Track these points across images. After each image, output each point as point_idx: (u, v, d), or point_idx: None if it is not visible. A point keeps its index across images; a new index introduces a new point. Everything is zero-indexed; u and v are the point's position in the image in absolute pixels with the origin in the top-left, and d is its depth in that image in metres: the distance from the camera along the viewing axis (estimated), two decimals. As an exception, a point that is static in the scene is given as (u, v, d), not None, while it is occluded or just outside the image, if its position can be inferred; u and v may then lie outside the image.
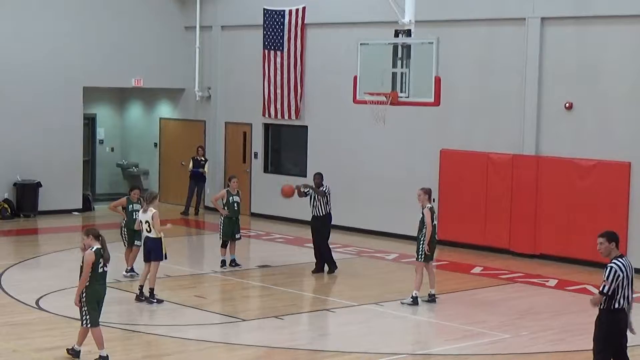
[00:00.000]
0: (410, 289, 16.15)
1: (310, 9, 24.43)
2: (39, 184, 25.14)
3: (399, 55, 16.34)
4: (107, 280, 12.31)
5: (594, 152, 19.76)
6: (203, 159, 26.49)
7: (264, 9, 25.05)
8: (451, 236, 21.10)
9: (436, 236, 16.37)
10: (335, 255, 19.15)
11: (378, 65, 16.53)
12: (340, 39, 23.55)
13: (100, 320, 12.20)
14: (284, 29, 24.83)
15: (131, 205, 17.39)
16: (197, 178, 26.48)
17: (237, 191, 18.99)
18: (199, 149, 26.59)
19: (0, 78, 24.63)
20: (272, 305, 16.16)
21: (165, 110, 28.81)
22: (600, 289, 10.48)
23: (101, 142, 29.51)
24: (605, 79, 19.68)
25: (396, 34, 16.48)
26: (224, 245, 18.90)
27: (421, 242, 16.03)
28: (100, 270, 12.01)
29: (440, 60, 15.98)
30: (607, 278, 10.41)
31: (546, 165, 20.37)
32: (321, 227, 18.73)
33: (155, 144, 28.99)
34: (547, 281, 18.43)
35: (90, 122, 28.80)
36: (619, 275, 10.40)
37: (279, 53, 25.02)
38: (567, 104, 20.17)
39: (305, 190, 18.61)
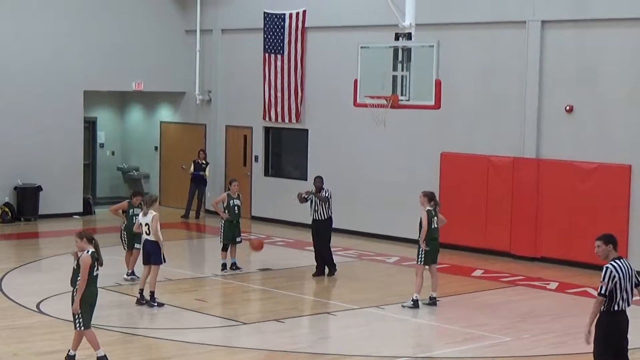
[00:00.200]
0: (411, 292, 16.15)
1: (311, 13, 24.45)
2: (39, 188, 25.14)
3: (400, 58, 16.34)
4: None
5: (594, 155, 19.76)
6: (204, 162, 26.49)
7: (265, 13, 25.06)
8: (452, 239, 21.07)
9: (438, 239, 16.36)
10: (335, 259, 19.16)
11: (378, 68, 16.53)
12: (340, 42, 23.56)
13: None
14: (284, 33, 24.84)
15: (132, 210, 17.39)
16: (198, 181, 26.49)
17: (238, 194, 18.99)
18: (201, 152, 26.60)
19: (1, 81, 24.66)
20: (273, 308, 16.15)
21: (165, 113, 28.82)
22: (598, 291, 10.50)
23: (102, 145, 29.51)
24: (605, 82, 19.69)
25: (397, 37, 16.49)
26: (224, 249, 18.90)
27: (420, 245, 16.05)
28: (95, 273, 11.99)
29: (440, 63, 15.99)
30: (604, 279, 10.43)
31: (547, 168, 20.37)
32: (322, 231, 18.75)
33: (156, 148, 28.99)
34: (548, 284, 18.43)
35: (90, 126, 28.80)
36: (614, 276, 10.41)
37: (279, 56, 25.03)
38: (568, 107, 20.18)
39: (306, 196, 18.63)
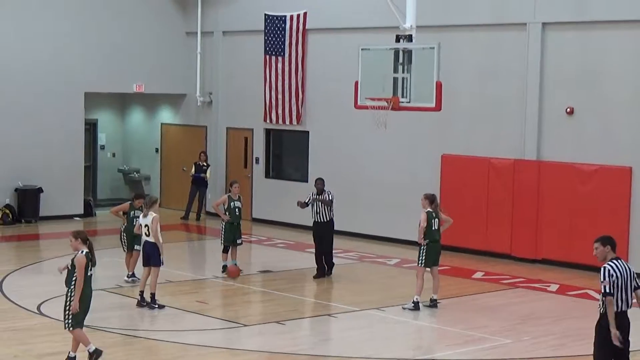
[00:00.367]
0: (411, 294, 16.15)
1: (311, 15, 24.45)
2: (40, 190, 25.14)
3: (400, 60, 16.32)
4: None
5: (595, 157, 19.76)
6: (205, 164, 26.50)
7: (265, 15, 25.07)
8: (453, 241, 21.03)
9: (440, 241, 16.36)
10: (336, 261, 19.21)
11: (379, 70, 16.50)
12: (341, 44, 23.56)
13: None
14: (285, 35, 24.85)
15: (133, 212, 17.40)
16: (199, 183, 26.49)
17: (239, 196, 18.99)
18: (202, 154, 26.61)
19: (1, 81, 24.66)
20: (274, 310, 16.15)
21: (166, 115, 28.82)
22: (602, 291, 10.48)
23: (102, 147, 29.51)
24: (606, 84, 19.69)
25: (397, 39, 16.46)
26: (225, 251, 18.90)
27: (421, 247, 16.04)
28: (89, 273, 11.97)
29: (441, 65, 15.97)
30: (604, 278, 10.44)
31: (547, 170, 20.37)
32: (324, 233, 18.76)
33: (157, 150, 29.01)
34: (549, 286, 18.42)
35: (91, 128, 28.81)
36: (612, 274, 10.42)
37: (280, 58, 25.04)
38: (568, 109, 20.17)
39: (306, 201, 18.64)
